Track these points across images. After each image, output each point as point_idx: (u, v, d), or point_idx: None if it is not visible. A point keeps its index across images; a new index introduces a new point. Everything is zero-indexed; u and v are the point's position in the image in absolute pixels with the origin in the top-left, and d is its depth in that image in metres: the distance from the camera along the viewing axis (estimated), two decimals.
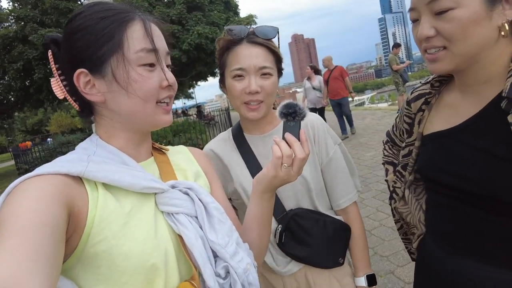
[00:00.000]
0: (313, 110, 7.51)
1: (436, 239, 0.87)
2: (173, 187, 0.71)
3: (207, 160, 0.95)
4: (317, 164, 1.07)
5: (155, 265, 0.61)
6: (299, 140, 0.73)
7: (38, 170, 0.57)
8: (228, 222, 0.74)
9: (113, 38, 0.65)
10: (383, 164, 1.16)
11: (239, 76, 0.99)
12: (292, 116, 0.73)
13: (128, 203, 0.64)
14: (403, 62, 9.41)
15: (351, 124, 7.90)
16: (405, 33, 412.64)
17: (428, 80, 0.93)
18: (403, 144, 0.99)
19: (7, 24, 13.54)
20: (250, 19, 14.06)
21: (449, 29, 0.70)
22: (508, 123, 0.67)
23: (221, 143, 1.16)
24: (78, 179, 0.60)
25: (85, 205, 0.58)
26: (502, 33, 0.70)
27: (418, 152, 0.93)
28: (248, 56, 0.98)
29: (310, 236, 1.02)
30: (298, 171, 0.75)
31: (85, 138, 0.75)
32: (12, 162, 17.96)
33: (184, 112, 28.67)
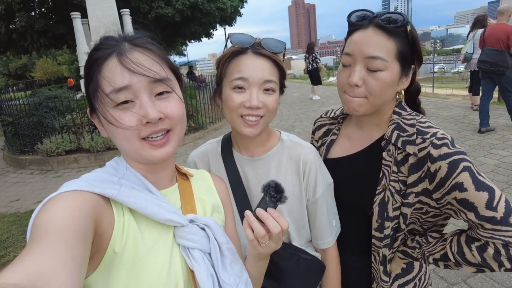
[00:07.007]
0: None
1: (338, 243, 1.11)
2: (191, 221, 0.73)
3: (227, 190, 0.95)
4: (303, 199, 1.02)
5: None
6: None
7: (72, 186, 0.58)
8: (239, 262, 0.77)
9: (93, 79, 0.65)
10: None
11: (240, 87, 0.91)
12: (275, 199, 0.71)
13: (149, 233, 0.67)
14: None
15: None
16: (407, 8, 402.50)
17: (333, 116, 1.18)
18: None
19: None
20: None
21: (374, 85, 0.89)
22: (382, 156, 0.96)
23: (208, 156, 1.10)
24: (107, 200, 0.63)
25: (110, 227, 0.61)
26: (397, 96, 0.97)
27: None
28: (253, 67, 0.91)
29: (281, 272, 0.99)
30: (279, 242, 0.74)
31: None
32: None
33: None
